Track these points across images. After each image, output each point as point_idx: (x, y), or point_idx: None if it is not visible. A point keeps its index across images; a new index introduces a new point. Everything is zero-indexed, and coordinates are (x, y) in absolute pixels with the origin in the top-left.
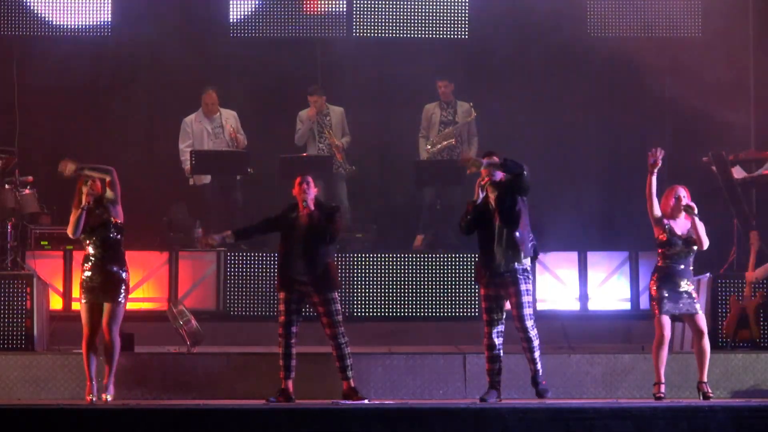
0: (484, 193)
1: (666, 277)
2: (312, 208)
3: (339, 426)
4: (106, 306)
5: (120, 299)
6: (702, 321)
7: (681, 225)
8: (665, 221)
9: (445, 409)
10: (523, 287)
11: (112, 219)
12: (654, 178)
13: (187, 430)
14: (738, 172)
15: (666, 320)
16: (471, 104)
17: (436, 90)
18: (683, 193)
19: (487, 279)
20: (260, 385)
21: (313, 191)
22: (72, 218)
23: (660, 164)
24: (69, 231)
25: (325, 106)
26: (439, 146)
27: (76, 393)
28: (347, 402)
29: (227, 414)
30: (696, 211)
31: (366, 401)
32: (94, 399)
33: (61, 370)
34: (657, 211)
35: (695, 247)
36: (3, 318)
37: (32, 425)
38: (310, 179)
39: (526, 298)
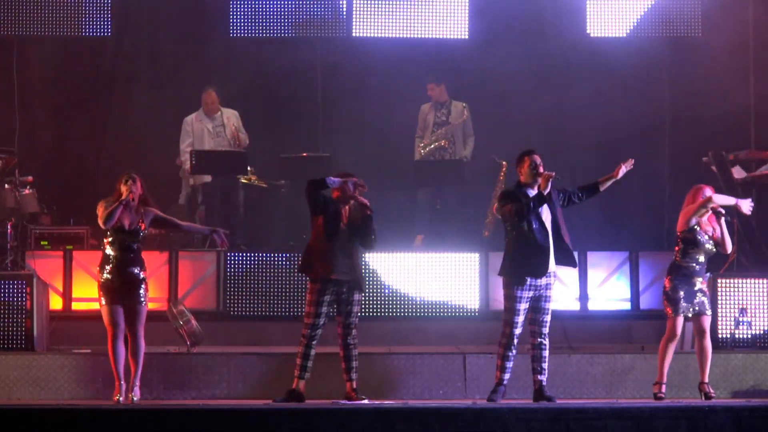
0: (549, 189)
1: (684, 277)
2: (367, 203)
3: (339, 426)
4: (129, 308)
5: (142, 300)
6: (707, 322)
7: (707, 226)
8: (694, 220)
9: (445, 409)
10: (551, 293)
11: (142, 228)
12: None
13: (187, 430)
14: (738, 172)
15: (681, 321)
16: (465, 105)
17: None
18: (710, 193)
19: (529, 278)
20: (260, 385)
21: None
22: (104, 208)
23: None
24: (101, 220)
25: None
26: (430, 147)
27: (76, 393)
28: (347, 402)
29: (227, 414)
30: (724, 215)
31: (366, 401)
32: (121, 399)
33: (61, 370)
34: (693, 221)
35: (717, 249)
36: (3, 318)
37: (32, 425)
38: (356, 179)
39: (551, 306)
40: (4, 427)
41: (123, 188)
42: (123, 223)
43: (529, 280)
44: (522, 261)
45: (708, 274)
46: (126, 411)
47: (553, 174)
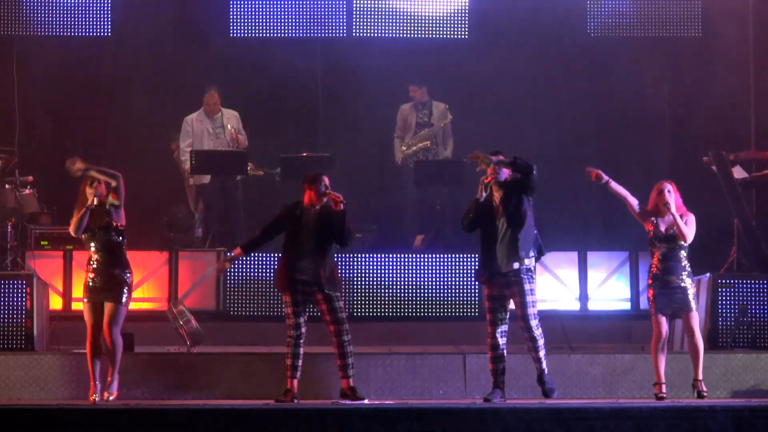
0: (488, 192)
1: (656, 276)
2: (341, 200)
3: (339, 426)
4: (108, 306)
5: (122, 300)
6: (694, 319)
7: (667, 221)
8: (652, 218)
9: (445, 409)
10: (527, 287)
11: (114, 222)
12: (613, 185)
13: (187, 430)
14: (738, 172)
15: (661, 319)
16: (446, 106)
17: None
18: (668, 187)
19: (490, 279)
20: (260, 385)
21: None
22: (75, 217)
23: (601, 173)
24: (71, 229)
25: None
26: (414, 148)
27: (76, 393)
28: (347, 402)
29: (227, 414)
30: (671, 207)
31: (365, 401)
32: (97, 399)
33: (61, 370)
34: (635, 208)
35: (681, 242)
36: (3, 318)
37: (32, 425)
38: (326, 178)
39: (530, 298)
40: (4, 427)
41: (88, 191)
42: (89, 225)
43: (489, 278)
44: (481, 261)
45: (708, 275)
46: (126, 411)
47: (488, 179)
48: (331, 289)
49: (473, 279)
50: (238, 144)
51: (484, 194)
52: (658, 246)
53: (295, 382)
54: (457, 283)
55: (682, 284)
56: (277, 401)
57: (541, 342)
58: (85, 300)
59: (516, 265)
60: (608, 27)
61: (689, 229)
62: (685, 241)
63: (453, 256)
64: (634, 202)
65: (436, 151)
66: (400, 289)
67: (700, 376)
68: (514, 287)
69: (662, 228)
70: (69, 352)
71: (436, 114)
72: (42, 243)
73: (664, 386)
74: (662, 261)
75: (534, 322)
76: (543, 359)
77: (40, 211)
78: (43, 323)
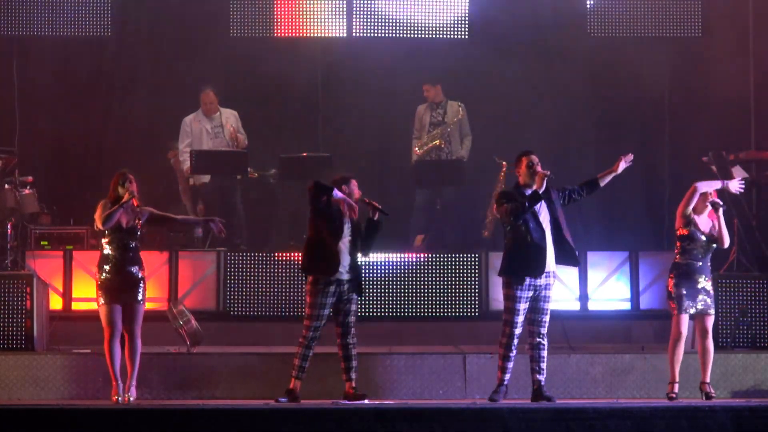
0: (544, 187)
1: (685, 274)
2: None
3: (339, 426)
4: (128, 307)
5: (140, 299)
6: (710, 322)
7: (705, 222)
8: (693, 216)
9: (445, 409)
10: (551, 293)
11: (138, 226)
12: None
13: (187, 430)
14: (738, 172)
15: (685, 319)
16: (460, 104)
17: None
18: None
19: (528, 277)
20: (260, 385)
21: (357, 193)
22: (104, 209)
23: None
24: (100, 222)
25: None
26: (425, 148)
27: (76, 393)
28: (347, 402)
29: (227, 414)
30: (723, 208)
31: (366, 401)
32: (120, 399)
33: (61, 370)
34: (693, 204)
35: (715, 245)
36: (3, 318)
37: (32, 425)
38: (354, 181)
39: (550, 305)
40: (4, 427)
41: (120, 190)
42: (120, 222)
43: (528, 279)
44: (520, 261)
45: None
46: (126, 411)
47: (548, 173)
48: (358, 292)
49: (472, 279)
50: (238, 143)
51: (544, 186)
52: (694, 243)
53: (299, 383)
54: (457, 283)
55: (707, 284)
56: (277, 401)
57: (546, 352)
58: (103, 301)
59: (553, 267)
60: (608, 27)
61: (727, 234)
62: (724, 246)
63: (453, 256)
64: (697, 198)
65: (450, 150)
66: (400, 289)
67: (708, 379)
68: (543, 291)
69: (702, 227)
70: (69, 352)
71: (449, 113)
72: (42, 243)
73: (676, 386)
74: (693, 260)
75: (546, 330)
76: (544, 370)
77: (40, 211)
78: (43, 323)
